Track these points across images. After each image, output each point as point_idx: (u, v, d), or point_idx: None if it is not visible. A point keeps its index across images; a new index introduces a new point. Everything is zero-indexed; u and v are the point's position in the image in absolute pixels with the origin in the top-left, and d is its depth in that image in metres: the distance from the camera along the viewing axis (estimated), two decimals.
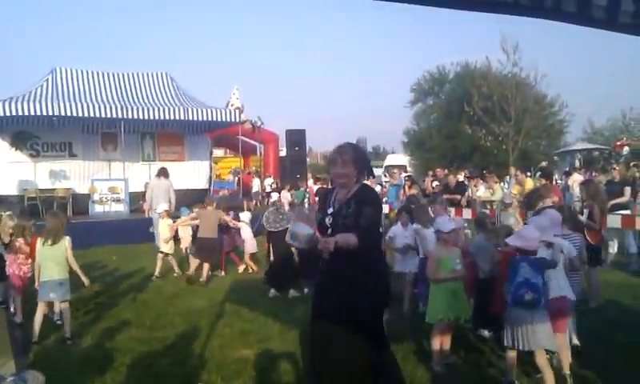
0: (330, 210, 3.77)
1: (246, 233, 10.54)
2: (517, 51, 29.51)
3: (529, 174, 17.43)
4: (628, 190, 10.89)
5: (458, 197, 13.17)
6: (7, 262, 6.87)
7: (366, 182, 3.98)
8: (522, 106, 30.32)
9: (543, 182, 10.97)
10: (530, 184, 12.38)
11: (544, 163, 30.53)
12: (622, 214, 9.77)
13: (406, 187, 15.02)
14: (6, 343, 6.00)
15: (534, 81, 31.19)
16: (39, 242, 6.54)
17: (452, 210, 11.24)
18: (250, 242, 10.48)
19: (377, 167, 37.09)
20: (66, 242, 6.41)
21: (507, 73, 31.11)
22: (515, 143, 30.48)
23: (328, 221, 3.74)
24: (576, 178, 16.91)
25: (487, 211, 12.31)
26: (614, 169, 12.45)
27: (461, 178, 16.48)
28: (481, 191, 14.16)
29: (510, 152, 30.06)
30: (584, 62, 70.11)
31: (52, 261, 6.33)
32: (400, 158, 37.70)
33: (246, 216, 11.18)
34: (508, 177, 16.83)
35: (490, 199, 13.43)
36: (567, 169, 22.64)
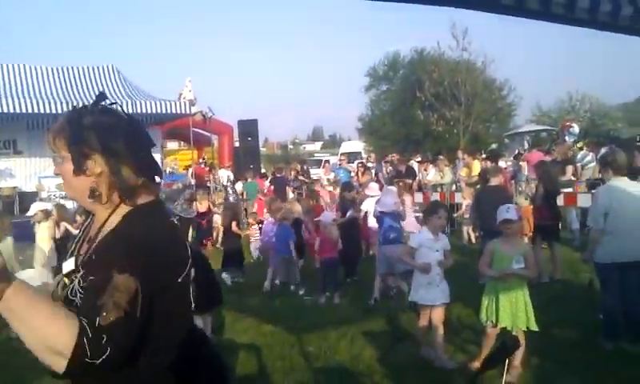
0: (69, 266, 1.68)
1: None
2: (466, 36, 30.05)
3: (483, 156, 17.77)
4: (569, 168, 11.25)
5: (410, 181, 13.40)
6: None
7: (149, 200, 1.76)
8: (472, 90, 30.90)
9: (489, 164, 11.29)
10: (477, 166, 12.66)
11: (494, 146, 31.35)
12: (564, 192, 10.12)
13: (359, 173, 15.17)
14: None
15: (483, 66, 31.86)
16: None
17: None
18: None
19: (333, 155, 37.32)
20: (8, 242, 6.32)
21: (457, 58, 31.64)
22: (466, 127, 31.09)
23: (60, 285, 1.66)
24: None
25: (437, 194, 12.60)
26: (553, 150, 12.84)
27: (414, 163, 16.74)
28: (431, 175, 14.42)
29: (461, 136, 30.62)
30: (531, 45, 71.77)
31: None
32: (356, 145, 37.86)
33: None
34: (457, 160, 17.16)
35: (440, 182, 13.70)
36: (517, 150, 23.19)
